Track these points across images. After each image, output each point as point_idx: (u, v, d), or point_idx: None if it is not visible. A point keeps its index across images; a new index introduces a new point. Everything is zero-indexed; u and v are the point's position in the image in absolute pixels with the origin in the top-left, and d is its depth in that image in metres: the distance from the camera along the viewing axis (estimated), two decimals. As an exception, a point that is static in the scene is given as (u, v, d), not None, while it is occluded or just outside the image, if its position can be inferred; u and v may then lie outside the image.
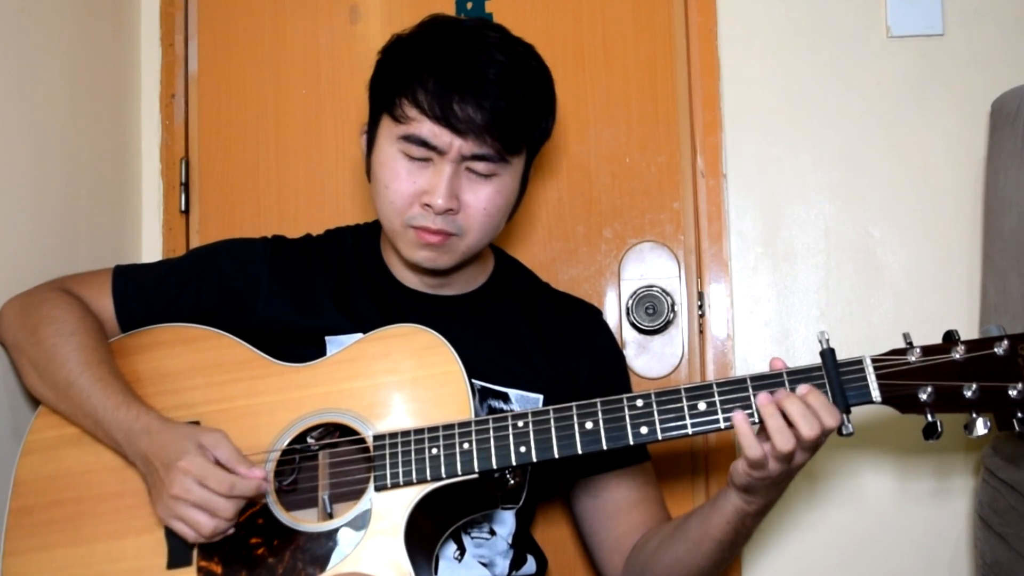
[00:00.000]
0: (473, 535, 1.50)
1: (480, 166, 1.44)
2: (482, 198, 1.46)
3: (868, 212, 1.95)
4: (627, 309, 1.96)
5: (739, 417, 1.25)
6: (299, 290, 1.55)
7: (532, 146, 1.53)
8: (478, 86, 1.39)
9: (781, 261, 1.96)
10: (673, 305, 1.96)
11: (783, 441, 1.22)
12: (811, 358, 1.30)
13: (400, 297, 1.57)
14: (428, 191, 1.43)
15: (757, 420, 1.26)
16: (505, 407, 1.53)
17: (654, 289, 1.96)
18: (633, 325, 1.96)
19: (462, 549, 1.48)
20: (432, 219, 1.44)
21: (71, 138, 1.79)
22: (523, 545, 1.57)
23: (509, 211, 1.54)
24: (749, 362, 1.94)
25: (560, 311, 1.65)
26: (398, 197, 1.45)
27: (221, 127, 2.08)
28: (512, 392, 1.54)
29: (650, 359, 1.97)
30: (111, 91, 1.96)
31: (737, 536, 1.37)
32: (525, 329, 1.60)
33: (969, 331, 1.84)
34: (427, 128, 1.41)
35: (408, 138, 1.43)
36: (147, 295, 1.55)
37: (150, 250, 2.05)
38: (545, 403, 1.54)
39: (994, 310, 1.71)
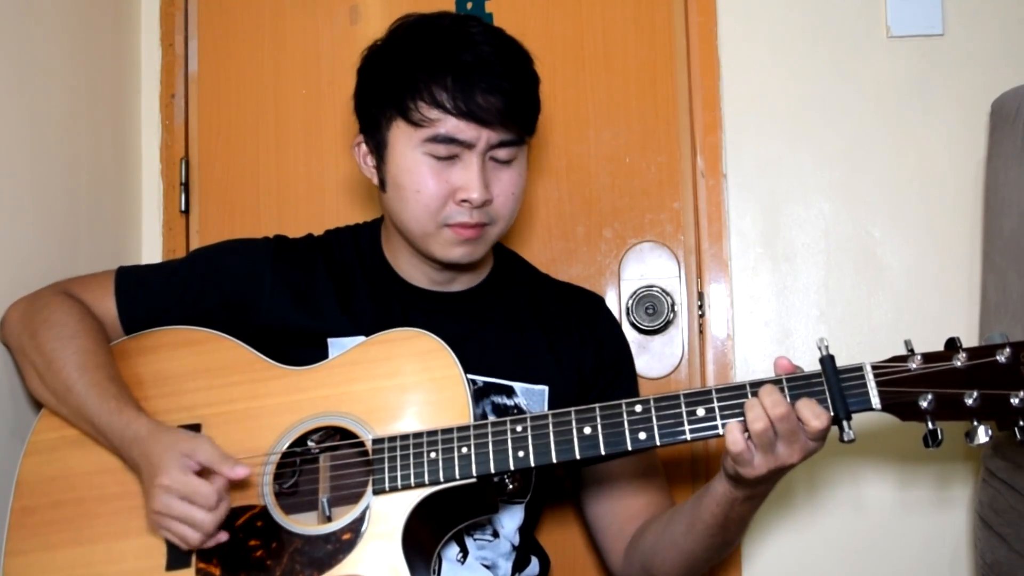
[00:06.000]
0: (476, 537, 1.50)
1: (503, 152, 1.46)
2: (508, 184, 1.48)
3: (868, 212, 1.95)
4: (627, 309, 1.96)
5: (732, 422, 1.26)
6: (302, 290, 1.56)
7: (535, 124, 1.54)
8: (492, 76, 1.42)
9: (781, 261, 1.96)
10: (673, 305, 1.96)
11: (754, 417, 1.22)
12: (811, 358, 1.30)
13: (404, 294, 1.57)
14: (463, 187, 1.43)
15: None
16: (509, 402, 1.53)
17: (654, 289, 1.96)
18: (633, 325, 1.96)
19: (465, 551, 1.49)
20: (470, 214, 1.45)
21: (71, 138, 1.80)
22: (527, 545, 1.58)
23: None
24: (749, 362, 1.94)
25: (562, 301, 1.66)
26: (432, 200, 1.45)
27: (221, 127, 2.08)
28: (517, 385, 1.54)
29: (650, 359, 1.97)
30: (111, 91, 1.96)
31: (727, 521, 1.36)
32: (529, 321, 1.60)
33: (969, 330, 1.85)
34: (452, 125, 1.42)
35: (434, 139, 1.43)
36: (150, 296, 1.55)
37: (150, 250, 2.05)
38: (550, 394, 1.55)
39: (994, 310, 1.71)
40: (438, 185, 1.44)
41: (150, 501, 1.32)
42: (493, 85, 1.41)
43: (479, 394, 1.51)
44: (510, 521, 1.54)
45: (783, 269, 1.96)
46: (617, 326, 1.67)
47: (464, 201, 1.44)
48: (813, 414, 1.23)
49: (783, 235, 1.97)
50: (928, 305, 1.92)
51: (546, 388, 1.55)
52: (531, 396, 1.54)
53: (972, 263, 1.90)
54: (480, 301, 1.60)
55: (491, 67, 1.42)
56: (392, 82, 1.46)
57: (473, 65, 1.42)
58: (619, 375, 1.62)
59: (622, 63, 2.02)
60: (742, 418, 1.25)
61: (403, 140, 1.46)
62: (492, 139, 1.43)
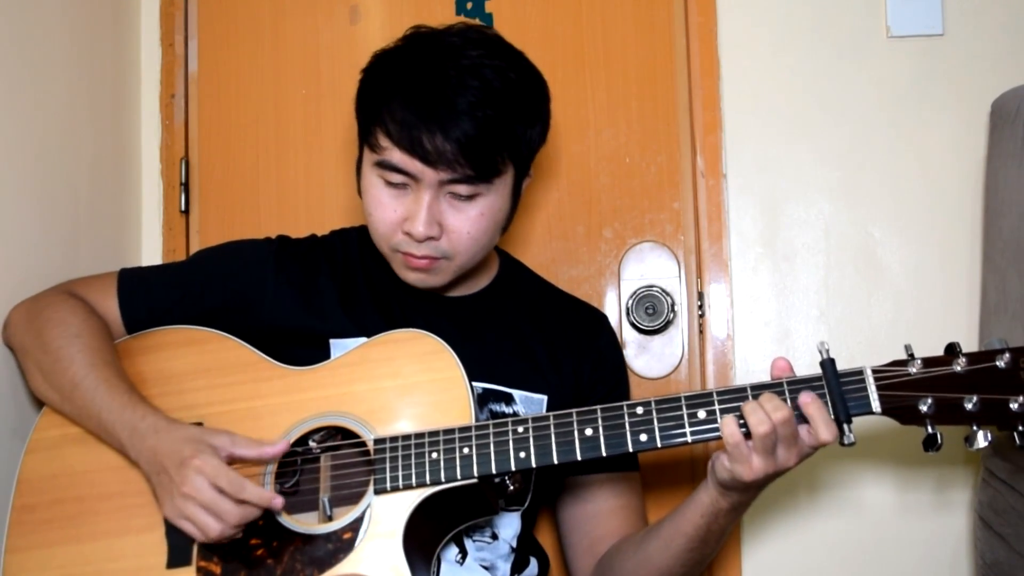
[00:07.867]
0: (475, 538, 1.50)
1: (461, 188, 1.41)
2: (465, 222, 1.43)
3: (868, 212, 1.95)
4: (627, 309, 1.96)
5: (728, 417, 1.27)
6: (305, 290, 1.56)
7: (521, 159, 1.48)
8: (445, 116, 1.36)
9: (781, 261, 1.97)
10: (673, 305, 1.96)
11: (757, 421, 1.23)
12: (811, 358, 1.30)
13: (405, 298, 1.57)
14: (408, 219, 1.42)
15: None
16: (508, 409, 1.53)
17: (654, 289, 1.96)
18: (633, 325, 1.96)
19: (464, 552, 1.49)
20: (416, 246, 1.43)
21: (71, 138, 1.80)
22: (526, 547, 1.58)
23: (499, 228, 1.51)
24: (749, 362, 1.94)
25: (565, 312, 1.65)
26: (381, 224, 1.45)
27: (221, 127, 2.08)
28: (516, 393, 1.54)
29: (650, 359, 1.97)
30: (111, 91, 1.96)
31: (708, 534, 1.36)
32: (530, 330, 1.60)
33: (969, 330, 1.85)
34: (398, 156, 1.39)
35: (382, 164, 1.41)
36: (152, 296, 1.55)
37: (150, 250, 2.05)
38: (549, 404, 1.55)
39: (994, 310, 1.71)
40: (389, 211, 1.44)
41: (180, 484, 1.30)
42: (443, 127, 1.36)
43: (477, 400, 1.50)
44: (507, 528, 1.54)
45: (783, 269, 1.96)
46: (617, 344, 1.67)
47: (408, 233, 1.43)
48: (826, 427, 1.24)
49: (783, 235, 1.97)
50: (928, 305, 1.92)
51: (545, 398, 1.55)
52: (530, 405, 1.54)
53: (972, 263, 1.90)
54: (481, 307, 1.60)
55: (447, 106, 1.36)
56: (364, 103, 1.46)
57: (430, 100, 1.36)
58: (615, 390, 1.62)
59: (622, 63, 2.02)
60: (736, 413, 1.25)
61: (365, 160, 1.47)
62: (442, 176, 1.39)
